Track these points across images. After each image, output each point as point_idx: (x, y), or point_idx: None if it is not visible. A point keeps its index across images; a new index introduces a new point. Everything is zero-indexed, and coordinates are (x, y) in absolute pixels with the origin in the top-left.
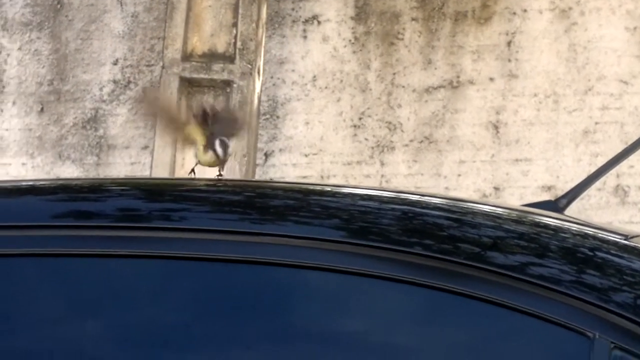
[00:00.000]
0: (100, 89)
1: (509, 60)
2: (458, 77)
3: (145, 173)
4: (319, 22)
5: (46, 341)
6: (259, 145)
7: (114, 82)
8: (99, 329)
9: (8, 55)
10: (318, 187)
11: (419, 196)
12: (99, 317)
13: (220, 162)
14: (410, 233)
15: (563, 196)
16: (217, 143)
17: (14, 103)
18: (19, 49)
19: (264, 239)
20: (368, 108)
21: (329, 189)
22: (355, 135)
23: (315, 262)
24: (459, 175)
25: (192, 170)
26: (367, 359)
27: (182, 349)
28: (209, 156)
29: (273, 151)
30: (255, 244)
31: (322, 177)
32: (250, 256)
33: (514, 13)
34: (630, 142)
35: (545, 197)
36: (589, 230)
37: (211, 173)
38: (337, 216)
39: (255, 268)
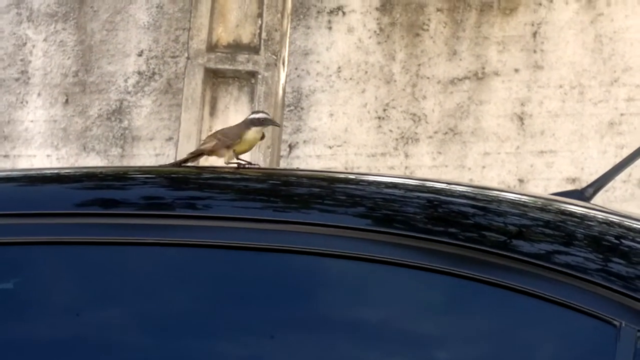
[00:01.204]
0: (125, 81)
1: (535, 52)
2: (483, 68)
3: None
4: (343, 13)
5: (70, 328)
6: (283, 136)
7: (139, 73)
8: (123, 316)
9: (33, 46)
10: (342, 176)
11: (444, 184)
12: (123, 304)
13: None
14: (435, 221)
15: (589, 185)
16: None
17: (39, 94)
18: (44, 40)
19: (288, 226)
20: (393, 99)
21: (353, 177)
22: (380, 126)
23: (340, 250)
24: (484, 167)
25: (241, 161)
26: (392, 347)
27: (205, 335)
28: (255, 132)
29: (297, 143)
30: (279, 232)
31: (346, 168)
32: (274, 244)
33: (540, 4)
34: None
35: (570, 189)
36: (615, 219)
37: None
38: (362, 204)
39: (280, 256)
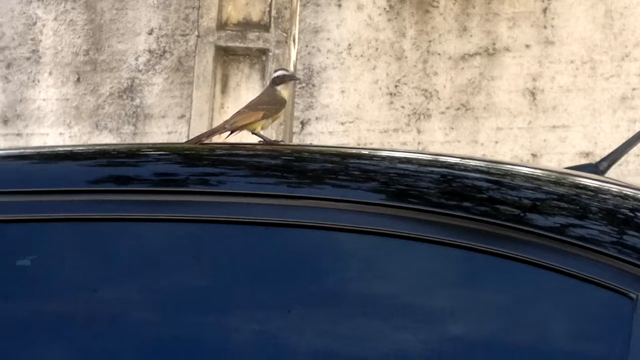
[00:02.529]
0: (136, 59)
1: (545, 27)
2: (494, 44)
3: None
4: None
5: (85, 305)
6: (295, 113)
7: (149, 51)
8: (138, 293)
9: (43, 25)
10: (355, 151)
11: (457, 159)
12: (136, 281)
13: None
14: (449, 195)
15: (603, 159)
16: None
17: (50, 73)
18: (55, 19)
19: (302, 202)
20: (404, 76)
21: (366, 152)
22: (392, 103)
23: (353, 225)
24: (496, 142)
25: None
26: (407, 321)
27: (221, 311)
28: (286, 92)
29: (309, 119)
30: (292, 207)
31: (358, 144)
32: (287, 219)
33: None
34: None
35: (584, 163)
36: (630, 192)
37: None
38: (375, 179)
39: (293, 231)
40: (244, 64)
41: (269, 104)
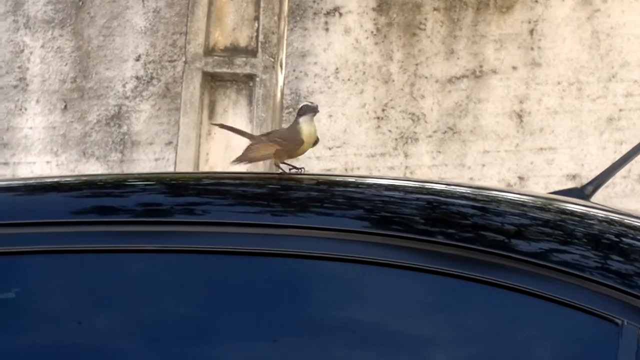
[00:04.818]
0: (123, 86)
1: (532, 49)
2: (481, 66)
3: (169, 169)
4: (340, 14)
5: (70, 337)
6: None
7: (137, 78)
8: (123, 324)
9: (31, 53)
10: (341, 179)
11: (443, 185)
12: (122, 312)
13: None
14: (434, 222)
15: (589, 183)
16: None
17: (37, 101)
18: (42, 46)
19: (286, 231)
20: (391, 99)
21: (352, 180)
22: (379, 127)
23: (338, 254)
24: (483, 165)
25: (294, 167)
26: (393, 350)
27: (205, 342)
28: (309, 126)
29: None
30: (279, 237)
31: (345, 169)
32: (274, 249)
33: (536, 1)
34: None
35: (570, 185)
36: (616, 217)
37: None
38: (360, 207)
39: (280, 260)
40: (231, 89)
41: (285, 140)
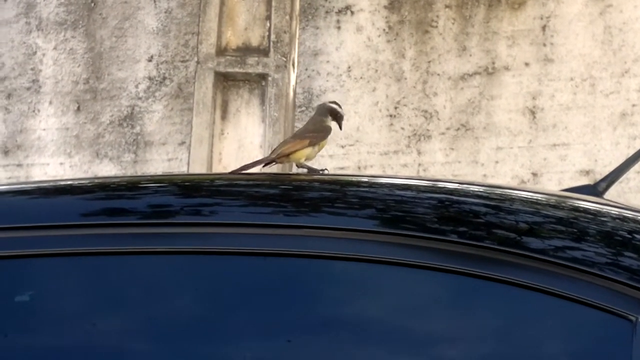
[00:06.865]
0: (136, 86)
1: (544, 45)
2: (493, 63)
3: (182, 169)
4: (352, 12)
5: (81, 339)
6: None
7: (149, 78)
8: (135, 326)
9: (43, 55)
10: (353, 178)
11: (456, 184)
12: (135, 313)
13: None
14: (446, 221)
15: (602, 180)
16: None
17: (50, 103)
18: (54, 48)
19: (298, 231)
20: (404, 97)
21: (364, 179)
22: (392, 124)
23: (352, 253)
24: (497, 162)
25: (311, 167)
26: (406, 348)
27: (217, 343)
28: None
29: None
30: (291, 237)
31: (359, 167)
32: (286, 249)
33: None
34: None
35: (584, 181)
36: (629, 214)
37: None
38: (372, 206)
39: (293, 261)
40: (244, 89)
41: (314, 132)
